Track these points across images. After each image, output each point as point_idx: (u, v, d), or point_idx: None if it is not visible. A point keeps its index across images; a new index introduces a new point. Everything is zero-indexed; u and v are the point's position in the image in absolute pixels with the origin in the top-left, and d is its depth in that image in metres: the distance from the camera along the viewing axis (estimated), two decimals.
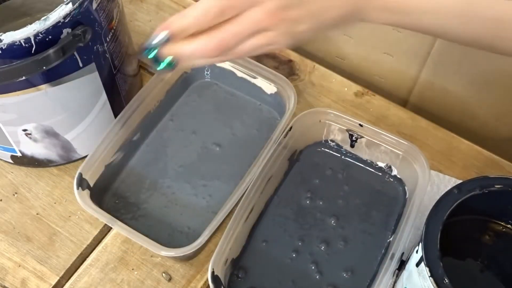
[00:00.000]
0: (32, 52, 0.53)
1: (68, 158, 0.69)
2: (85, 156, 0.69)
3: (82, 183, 0.62)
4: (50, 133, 0.64)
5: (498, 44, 0.47)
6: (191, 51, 0.48)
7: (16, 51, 0.52)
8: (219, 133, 0.71)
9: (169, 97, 0.72)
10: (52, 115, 0.62)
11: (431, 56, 0.75)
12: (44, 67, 0.54)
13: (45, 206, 0.67)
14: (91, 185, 0.63)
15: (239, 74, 0.72)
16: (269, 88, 0.71)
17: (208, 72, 0.75)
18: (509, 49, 0.47)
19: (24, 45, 0.52)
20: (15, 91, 0.57)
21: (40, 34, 0.53)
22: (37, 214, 0.66)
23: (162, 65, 0.50)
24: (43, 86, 0.58)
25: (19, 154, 0.66)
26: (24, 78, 0.54)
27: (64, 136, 0.65)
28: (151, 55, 0.49)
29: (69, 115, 0.63)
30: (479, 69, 0.74)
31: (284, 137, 0.65)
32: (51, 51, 0.53)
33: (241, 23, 0.47)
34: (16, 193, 0.68)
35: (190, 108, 0.73)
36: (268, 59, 0.78)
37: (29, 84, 0.57)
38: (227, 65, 0.72)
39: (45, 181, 0.68)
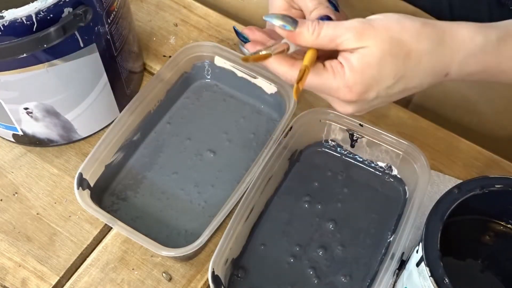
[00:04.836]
0: (34, 30, 0.54)
1: (69, 138, 0.69)
2: (86, 137, 0.70)
3: (82, 183, 0.62)
4: (51, 112, 0.64)
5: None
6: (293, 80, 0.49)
7: (17, 28, 0.53)
8: (214, 139, 0.70)
9: (169, 98, 0.72)
10: (53, 94, 0.63)
11: None
12: (44, 45, 0.55)
13: (45, 206, 0.67)
14: (92, 185, 0.63)
15: (239, 74, 0.72)
16: (269, 88, 0.71)
17: (208, 72, 0.75)
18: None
19: (25, 22, 0.53)
20: (16, 68, 0.58)
21: (41, 12, 0.53)
22: (37, 214, 0.66)
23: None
24: (44, 65, 0.58)
25: (20, 133, 0.67)
26: (24, 55, 0.55)
27: (64, 116, 0.65)
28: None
29: (69, 95, 0.64)
30: None
31: (284, 137, 0.65)
32: (52, 29, 0.54)
33: (335, 90, 0.49)
34: (16, 193, 0.68)
35: (188, 111, 0.73)
36: None
37: (31, 62, 0.58)
38: (227, 65, 0.72)
39: (45, 181, 0.68)
